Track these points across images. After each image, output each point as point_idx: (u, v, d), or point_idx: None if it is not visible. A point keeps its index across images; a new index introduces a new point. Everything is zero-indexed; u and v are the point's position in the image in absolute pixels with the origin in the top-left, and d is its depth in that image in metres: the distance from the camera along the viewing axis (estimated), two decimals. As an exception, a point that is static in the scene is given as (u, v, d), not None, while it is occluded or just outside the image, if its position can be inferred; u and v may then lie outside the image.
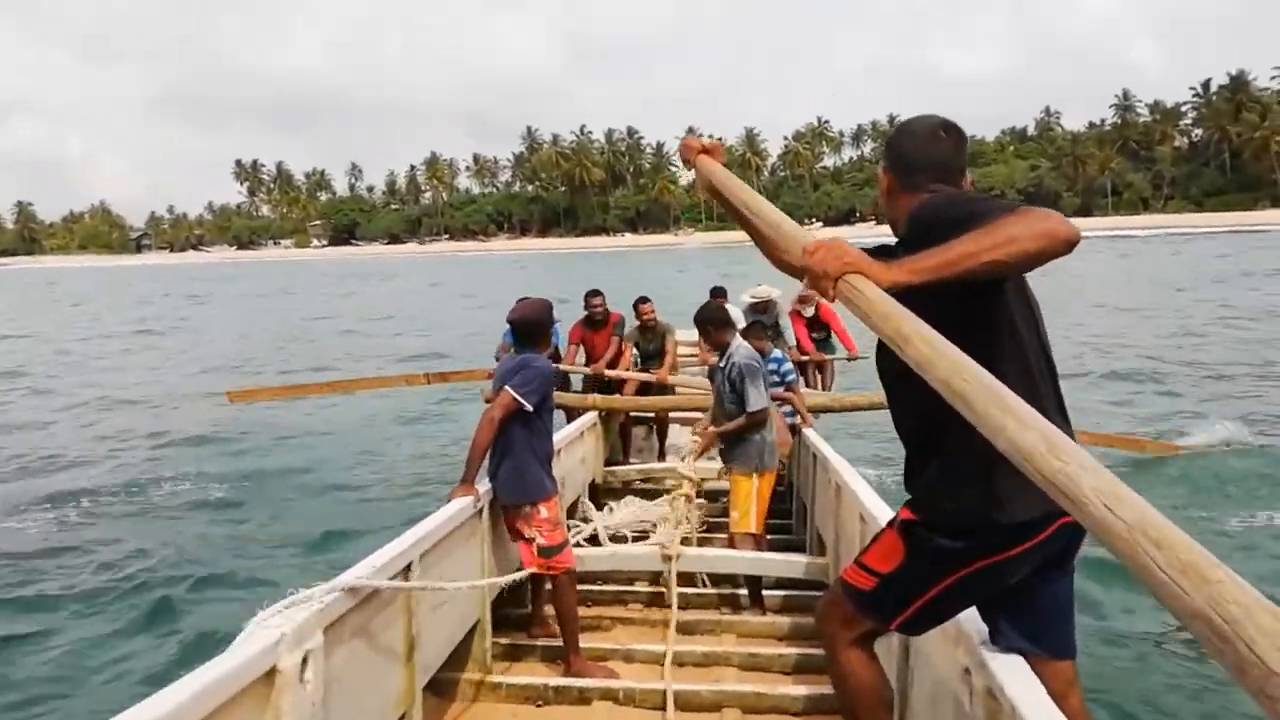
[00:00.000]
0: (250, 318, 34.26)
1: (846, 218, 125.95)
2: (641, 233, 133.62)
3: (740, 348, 5.12)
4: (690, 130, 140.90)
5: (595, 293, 8.32)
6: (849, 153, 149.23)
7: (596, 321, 8.24)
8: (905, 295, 1.57)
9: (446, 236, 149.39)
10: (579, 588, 4.50)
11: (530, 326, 4.37)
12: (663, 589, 4.75)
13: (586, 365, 8.28)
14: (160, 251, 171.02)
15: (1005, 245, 1.57)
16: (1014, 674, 1.97)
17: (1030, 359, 1.91)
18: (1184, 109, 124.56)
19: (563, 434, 5.81)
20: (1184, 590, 0.97)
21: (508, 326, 4.73)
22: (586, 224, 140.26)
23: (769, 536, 5.47)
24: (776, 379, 6.18)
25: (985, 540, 1.94)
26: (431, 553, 3.63)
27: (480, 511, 4.20)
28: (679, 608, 4.50)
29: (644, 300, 8.40)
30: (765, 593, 4.95)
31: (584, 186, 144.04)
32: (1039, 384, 1.90)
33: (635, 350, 8.26)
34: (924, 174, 2.08)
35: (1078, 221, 1.69)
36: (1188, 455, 9.57)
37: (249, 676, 2.18)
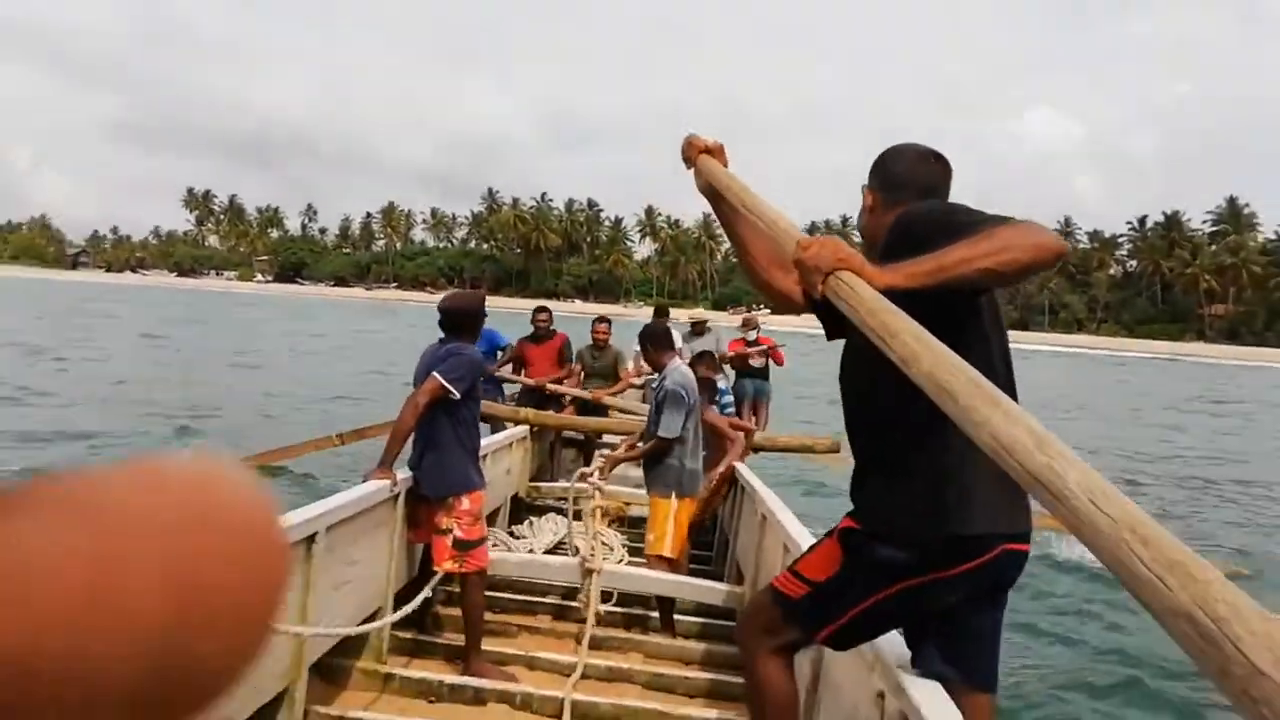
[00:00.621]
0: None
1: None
2: (592, 301, 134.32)
3: (675, 371, 5.00)
4: (649, 210, 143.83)
5: (542, 309, 8.15)
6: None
7: (540, 335, 7.96)
8: (890, 299, 1.56)
9: (394, 285, 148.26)
10: (488, 593, 4.36)
11: (460, 315, 4.21)
12: (574, 603, 4.61)
13: (525, 379, 7.92)
14: (96, 270, 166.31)
15: (999, 254, 1.58)
16: (931, 700, 1.92)
17: (997, 371, 1.89)
18: (1120, 240, 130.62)
19: (490, 441, 5.68)
20: (1169, 587, 0.93)
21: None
22: (538, 287, 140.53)
23: (691, 566, 5.36)
24: (715, 409, 6.15)
25: (926, 555, 1.90)
26: (340, 528, 3.49)
27: (396, 499, 4.05)
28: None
29: (602, 319, 8.34)
30: (678, 617, 4.83)
31: (539, 251, 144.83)
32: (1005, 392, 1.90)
33: (580, 366, 8.09)
34: (909, 193, 2.07)
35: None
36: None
37: None
